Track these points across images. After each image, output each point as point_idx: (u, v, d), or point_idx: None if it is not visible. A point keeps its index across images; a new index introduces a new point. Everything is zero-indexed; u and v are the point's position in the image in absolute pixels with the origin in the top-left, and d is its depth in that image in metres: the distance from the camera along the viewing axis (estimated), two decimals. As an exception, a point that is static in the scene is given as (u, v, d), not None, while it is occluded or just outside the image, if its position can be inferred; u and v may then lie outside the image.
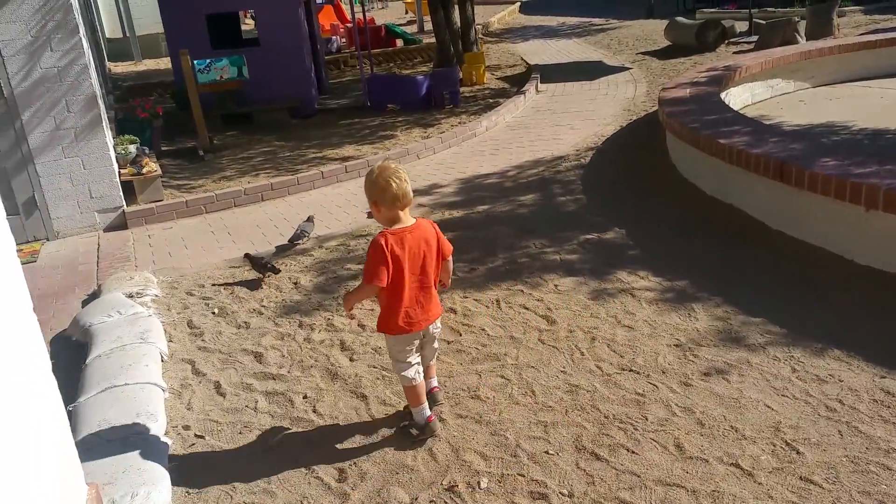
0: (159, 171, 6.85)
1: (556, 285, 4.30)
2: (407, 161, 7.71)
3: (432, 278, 2.90)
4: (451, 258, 3.05)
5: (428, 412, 2.99)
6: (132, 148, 7.05)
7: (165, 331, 4.17)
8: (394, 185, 2.73)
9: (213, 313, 4.42)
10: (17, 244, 6.25)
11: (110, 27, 19.64)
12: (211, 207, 6.69)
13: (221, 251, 5.61)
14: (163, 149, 8.98)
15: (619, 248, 4.78)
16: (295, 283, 4.76)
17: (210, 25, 10.22)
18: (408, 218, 2.83)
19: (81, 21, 6.55)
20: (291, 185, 7.04)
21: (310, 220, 5.71)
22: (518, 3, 25.21)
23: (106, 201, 6.30)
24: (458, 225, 5.54)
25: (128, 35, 18.58)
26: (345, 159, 7.84)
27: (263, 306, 4.45)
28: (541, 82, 10.88)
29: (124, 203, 6.45)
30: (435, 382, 3.21)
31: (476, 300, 4.21)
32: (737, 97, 8.02)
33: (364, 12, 13.73)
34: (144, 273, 5.05)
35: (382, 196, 2.75)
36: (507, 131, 8.62)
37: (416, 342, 2.94)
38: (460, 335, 3.85)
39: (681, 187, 5.85)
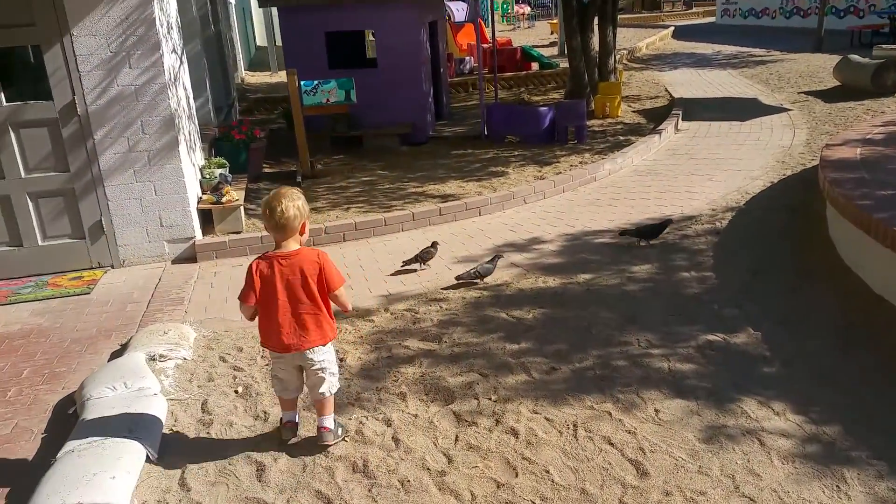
0: (240, 201, 6.38)
1: (656, 410, 3.21)
2: (512, 206, 6.79)
3: (307, 307, 2.98)
4: (342, 289, 3.06)
5: (287, 416, 3.25)
6: (217, 173, 6.64)
7: (172, 413, 3.52)
8: (276, 212, 2.88)
9: (236, 392, 3.72)
10: (79, 270, 6.02)
11: (261, 34, 20.20)
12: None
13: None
14: (265, 170, 8.65)
15: (750, 361, 3.59)
16: (341, 359, 3.98)
17: (331, 44, 9.87)
18: (290, 244, 2.97)
19: (180, 31, 6.22)
20: (377, 226, 6.33)
21: (434, 245, 5.44)
22: (672, 28, 23.58)
23: (177, 231, 5.88)
24: (550, 299, 4.54)
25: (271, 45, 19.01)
26: (444, 198, 7.05)
27: (293, 388, 3.70)
28: (682, 119, 9.57)
29: (197, 233, 6.02)
30: (325, 422, 3.15)
31: (548, 420, 3.21)
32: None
33: (493, 31, 12.95)
34: (182, 328, 4.48)
35: (264, 220, 2.96)
36: (633, 177, 7.46)
37: (291, 364, 3.09)
38: (515, 475, 2.87)
39: (840, 276, 4.50)
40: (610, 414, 3.20)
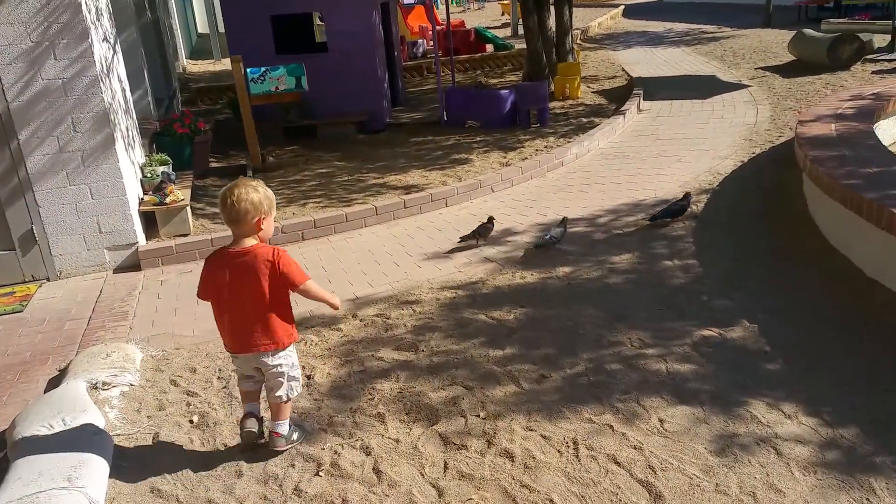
0: (186, 201, 5.90)
1: (661, 420, 2.95)
2: (479, 195, 6.46)
3: (257, 309, 2.81)
4: (309, 283, 2.87)
5: (248, 408, 3.07)
6: (160, 171, 6.14)
7: (120, 452, 3.10)
8: (227, 202, 2.74)
9: (191, 422, 3.31)
10: (10, 285, 5.46)
11: (202, 21, 19.33)
12: (240, 246, 5.67)
13: (235, 311, 4.55)
14: (212, 165, 8.12)
15: (751, 357, 3.36)
16: (308, 377, 3.60)
17: (278, 28, 9.34)
18: (244, 241, 2.82)
19: (105, 21, 5.67)
20: (339, 222, 5.93)
21: (490, 221, 5.33)
22: (622, 7, 23.48)
23: (117, 237, 5.38)
24: (530, 297, 4.24)
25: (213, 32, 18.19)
26: (407, 189, 6.68)
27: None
28: (644, 99, 9.37)
29: (140, 239, 5.53)
30: (277, 427, 2.97)
31: (545, 438, 2.91)
32: (886, 132, 6.30)
33: (448, 13, 12.55)
34: (127, 348, 4.03)
35: (221, 212, 2.84)
36: (601, 161, 7.21)
37: (247, 364, 2.95)
38: (515, 505, 2.57)
39: (828, 258, 4.32)
40: (611, 427, 2.92)
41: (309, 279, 2.88)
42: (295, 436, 3.03)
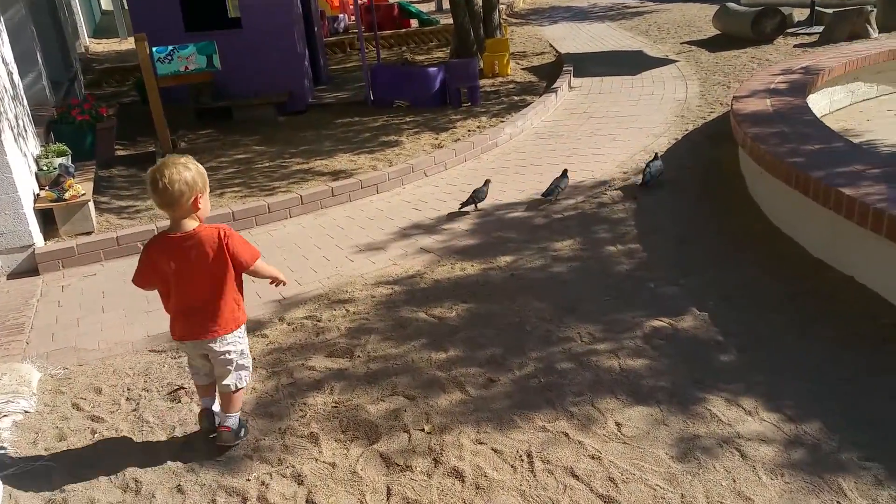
0: (88, 196, 5.35)
1: (618, 424, 2.75)
2: (412, 180, 6.15)
3: (205, 293, 2.66)
4: (259, 262, 2.74)
5: (203, 403, 2.94)
6: (57, 163, 5.55)
7: (11, 497, 2.68)
8: (158, 184, 2.54)
9: (98, 451, 2.91)
10: None
11: (105, -3, 18.10)
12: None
13: (149, 317, 4.11)
14: (118, 153, 7.49)
15: (704, 349, 3.20)
16: (229, 392, 3.24)
17: (186, 3, 8.68)
18: (184, 224, 2.63)
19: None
20: (260, 213, 5.51)
21: (486, 183, 5.32)
22: (544, -19, 23.33)
23: (10, 238, 4.81)
24: (473, 291, 3.98)
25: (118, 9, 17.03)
26: (335, 175, 6.30)
27: (173, 440, 2.93)
28: (574, 76, 9.22)
29: (36, 240, 4.97)
30: (227, 420, 2.81)
31: (496, 451, 2.66)
32: (816, 105, 6.35)
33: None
34: (21, 369, 3.56)
35: (150, 195, 2.64)
36: (536, 141, 7.00)
37: (194, 352, 2.79)
38: (468, 534, 2.32)
39: (772, 239, 4.24)
40: (567, 435, 2.70)
41: (259, 257, 2.74)
42: (243, 431, 2.87)
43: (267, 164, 6.86)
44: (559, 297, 3.80)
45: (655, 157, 5.40)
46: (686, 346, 3.23)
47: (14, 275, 4.94)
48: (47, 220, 5.34)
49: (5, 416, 3.18)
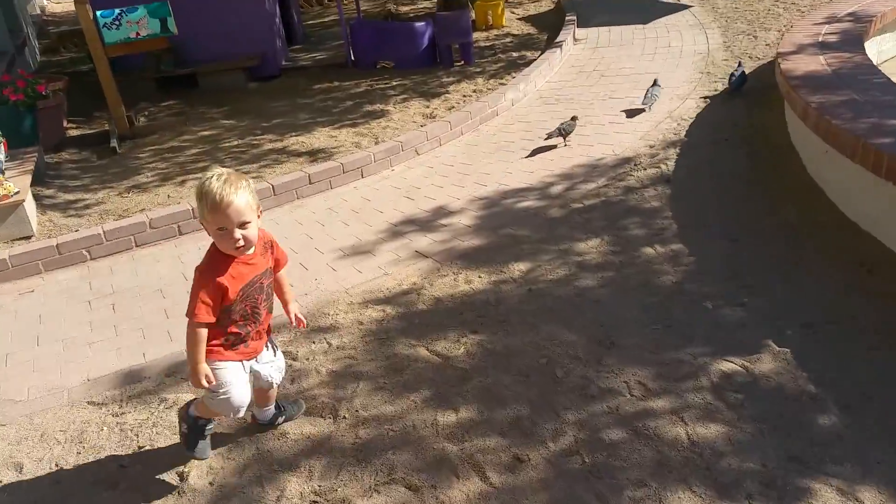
0: (21, 195, 4.51)
1: (697, 530, 2.03)
2: (401, 160, 5.32)
3: None
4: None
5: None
6: (-14, 154, 4.69)
7: None
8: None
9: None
10: None
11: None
12: (98, 251, 4.38)
13: (92, 351, 3.36)
14: (70, 134, 6.60)
15: (796, 406, 2.46)
16: (179, 477, 2.51)
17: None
18: None
19: None
20: (261, 198, 4.68)
21: (574, 119, 5.11)
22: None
23: (-79, 254, 4.00)
24: (483, 314, 3.23)
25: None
26: (313, 156, 5.47)
27: (100, 557, 2.21)
28: (578, 26, 8.28)
29: (-44, 253, 4.16)
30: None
31: None
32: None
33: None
34: (-90, 444, 2.81)
35: None
36: (542, 108, 6.14)
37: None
38: None
39: (849, 239, 3.45)
40: (630, 554, 1.99)
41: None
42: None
43: (236, 143, 6.01)
44: (593, 324, 3.05)
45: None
46: (770, 402, 2.49)
47: (-66, 294, 4.14)
48: (-24, 224, 4.52)
49: None
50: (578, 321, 3.07)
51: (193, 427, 2.43)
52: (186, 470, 2.52)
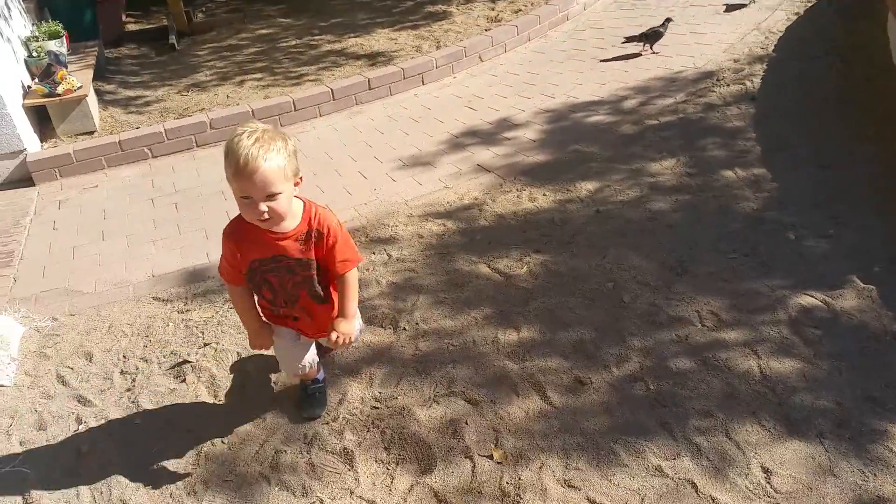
0: (85, 89, 4.50)
1: (766, 470, 1.95)
2: (464, 67, 5.11)
3: None
4: None
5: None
6: (52, 46, 4.67)
7: (-38, 522, 2.11)
8: None
9: (80, 452, 2.30)
10: None
11: None
12: (160, 150, 4.39)
13: (156, 249, 3.42)
14: (128, 28, 6.53)
15: (879, 347, 2.32)
16: (243, 374, 2.56)
17: None
18: None
19: None
20: (285, 112, 4.62)
21: (665, 23, 4.76)
22: None
23: (-7, 144, 4.08)
24: (547, 233, 3.13)
25: None
26: (372, 59, 5.29)
27: (172, 444, 2.28)
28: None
29: (28, 144, 4.22)
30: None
31: None
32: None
33: None
34: (1, 323, 2.92)
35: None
36: (617, 13, 5.77)
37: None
38: None
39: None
40: (694, 486, 1.94)
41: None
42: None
43: (293, 43, 5.86)
44: (664, 249, 2.92)
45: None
46: (851, 339, 2.36)
47: (7, 184, 4.25)
48: (42, 119, 4.57)
49: (-27, 395, 2.58)
50: (649, 246, 2.95)
51: (300, 388, 2.37)
52: (244, 369, 2.57)
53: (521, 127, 4.15)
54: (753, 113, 3.92)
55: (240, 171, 1.69)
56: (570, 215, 3.24)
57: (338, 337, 1.99)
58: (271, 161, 1.69)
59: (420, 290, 2.86)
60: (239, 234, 1.92)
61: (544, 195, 3.42)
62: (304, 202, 1.93)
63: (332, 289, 2.04)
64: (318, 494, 2.06)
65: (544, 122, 4.18)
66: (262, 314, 2.12)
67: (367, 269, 3.05)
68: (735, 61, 4.54)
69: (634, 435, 2.10)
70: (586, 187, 3.44)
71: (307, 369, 2.22)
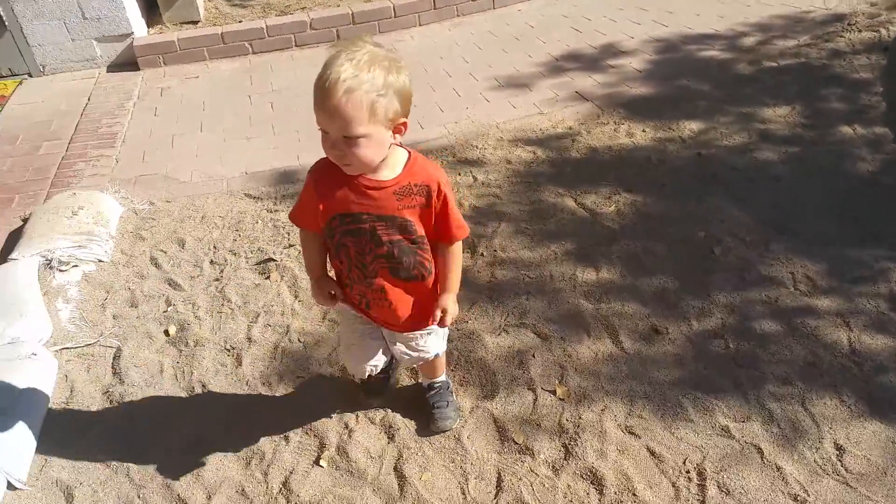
0: (191, -24, 4.54)
1: (838, 447, 1.87)
2: (573, -16, 4.84)
3: None
4: None
5: None
6: (162, -70, 4.69)
7: (66, 378, 2.29)
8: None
9: (166, 334, 2.45)
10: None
11: None
12: (260, 46, 4.42)
13: (251, 147, 3.51)
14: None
15: (985, 329, 2.18)
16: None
17: None
18: None
19: None
20: (385, 18, 4.53)
21: None
22: None
23: (107, 25, 4.20)
24: (642, 172, 3.02)
25: None
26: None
27: (249, 345, 2.40)
28: None
29: (135, 29, 4.33)
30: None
31: (653, 454, 1.90)
32: None
33: None
34: (101, 201, 3.08)
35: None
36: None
37: None
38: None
39: None
40: (760, 451, 1.89)
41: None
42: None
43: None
44: (765, 203, 2.76)
45: None
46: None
47: (114, 66, 4.40)
48: (150, 4, 4.65)
49: (75, 265, 2.77)
50: (750, 197, 2.79)
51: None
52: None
53: (628, 55, 3.94)
54: (884, 65, 3.57)
55: (318, 97, 1.34)
56: (668, 155, 3.09)
57: (443, 317, 1.67)
58: (358, 95, 1.32)
59: (502, 217, 2.83)
60: (325, 175, 1.53)
61: (643, 131, 3.27)
62: (409, 153, 1.54)
63: (425, 263, 1.63)
64: (383, 403, 2.13)
65: (653, 51, 3.95)
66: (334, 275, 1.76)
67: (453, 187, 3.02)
68: (872, 4, 4.12)
69: (705, 391, 2.05)
70: (690, 127, 3.26)
71: (369, 372, 1.90)
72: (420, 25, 4.55)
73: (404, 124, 1.43)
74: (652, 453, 1.91)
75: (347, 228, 1.55)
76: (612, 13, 4.45)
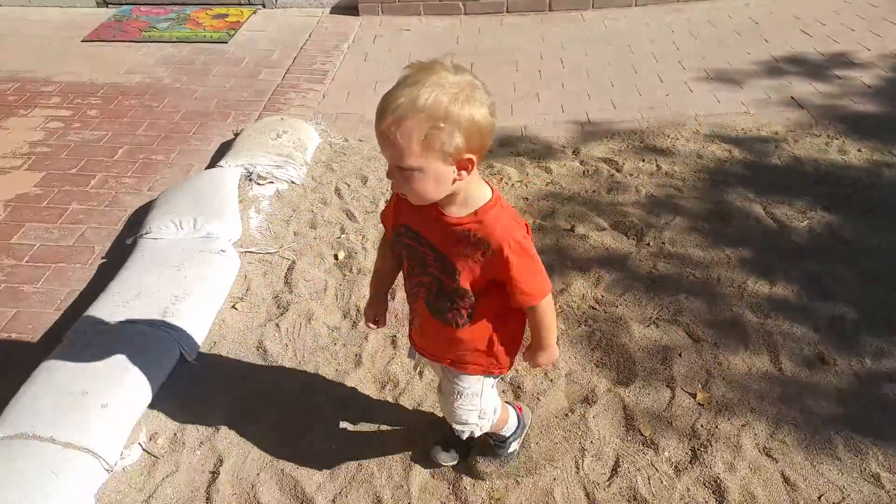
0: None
1: None
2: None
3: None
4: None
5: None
6: None
7: (245, 278, 2.57)
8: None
9: (336, 259, 2.66)
10: (227, 5, 4.93)
11: None
12: (472, 8, 4.52)
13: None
14: None
15: None
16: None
17: None
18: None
19: None
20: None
21: None
22: None
23: (334, -30, 4.53)
24: (846, 194, 2.75)
25: None
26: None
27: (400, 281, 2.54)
28: None
29: (361, -23, 4.62)
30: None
31: (787, 481, 1.78)
32: None
33: None
34: (303, 129, 3.37)
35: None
36: None
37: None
38: None
39: None
40: (912, 510, 1.71)
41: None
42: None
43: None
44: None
45: None
46: None
47: (337, 9, 4.75)
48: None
49: (271, 182, 3.06)
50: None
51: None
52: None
53: (859, 67, 3.58)
54: None
55: (375, 119, 1.20)
56: (882, 180, 2.79)
57: (533, 367, 1.58)
58: (409, 124, 1.15)
59: (678, 211, 2.72)
60: None
61: (859, 150, 2.97)
62: (493, 195, 1.33)
63: (462, 312, 1.45)
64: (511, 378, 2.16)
65: (890, 68, 3.55)
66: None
67: (631, 174, 2.95)
68: None
69: (862, 433, 1.87)
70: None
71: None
72: (636, 6, 4.41)
73: (471, 161, 1.23)
74: (786, 480, 1.78)
75: (408, 242, 1.44)
76: (851, 20, 4.03)
